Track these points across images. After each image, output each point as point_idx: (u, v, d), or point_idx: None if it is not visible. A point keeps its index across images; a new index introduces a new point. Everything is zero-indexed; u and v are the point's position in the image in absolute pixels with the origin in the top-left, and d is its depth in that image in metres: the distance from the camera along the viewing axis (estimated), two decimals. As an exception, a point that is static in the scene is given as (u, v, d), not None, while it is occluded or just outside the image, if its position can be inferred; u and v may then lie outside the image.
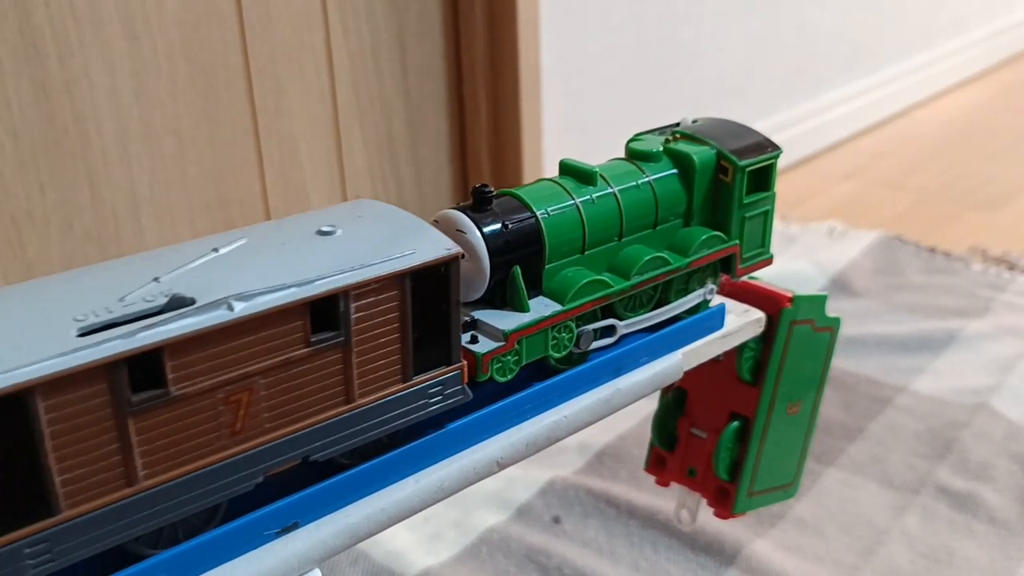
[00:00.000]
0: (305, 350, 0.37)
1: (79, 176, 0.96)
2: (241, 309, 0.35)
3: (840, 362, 1.12)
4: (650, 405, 1.06)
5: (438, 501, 0.42)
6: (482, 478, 0.44)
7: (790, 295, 0.61)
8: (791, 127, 1.82)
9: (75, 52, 0.93)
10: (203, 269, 0.37)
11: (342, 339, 0.38)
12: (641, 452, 0.98)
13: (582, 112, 1.40)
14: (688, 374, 0.65)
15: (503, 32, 1.28)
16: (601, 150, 1.51)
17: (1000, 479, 0.91)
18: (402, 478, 0.42)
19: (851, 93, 2.01)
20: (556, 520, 0.88)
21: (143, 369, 0.33)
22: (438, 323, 0.41)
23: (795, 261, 1.33)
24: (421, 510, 0.42)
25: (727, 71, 1.68)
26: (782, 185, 1.86)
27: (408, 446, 0.42)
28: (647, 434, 1.01)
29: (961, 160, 1.85)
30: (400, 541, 0.85)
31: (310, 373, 0.38)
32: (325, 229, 0.40)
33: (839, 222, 1.48)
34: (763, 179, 0.56)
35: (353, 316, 0.38)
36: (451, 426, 0.43)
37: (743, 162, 0.54)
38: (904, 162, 1.85)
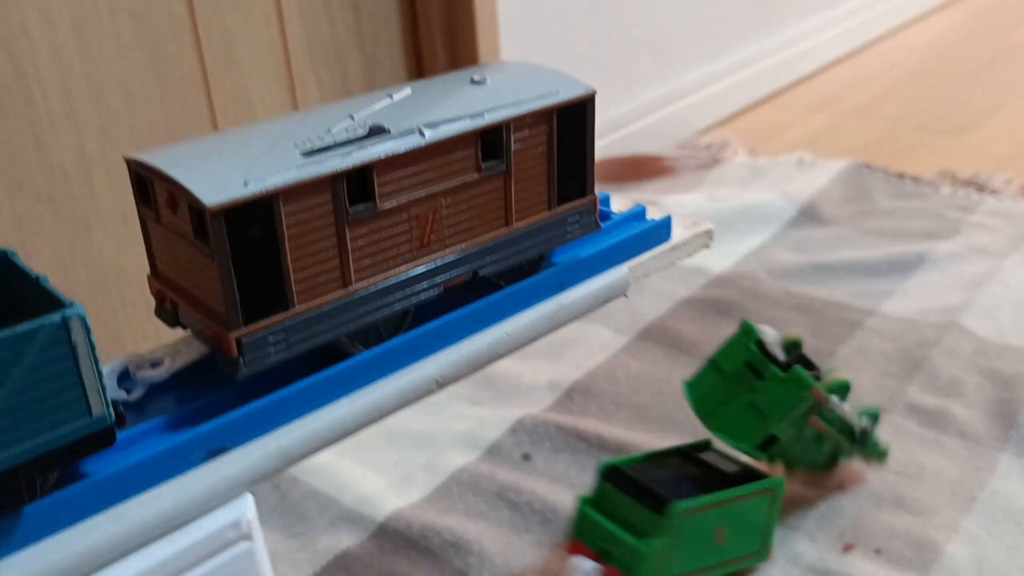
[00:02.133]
0: (476, 175, 0.44)
1: (25, 137, 0.94)
2: (430, 135, 0.42)
3: (810, 289, 1.11)
4: (617, 340, 1.05)
5: (375, 421, 0.42)
6: (421, 397, 0.43)
7: None
8: (759, 61, 1.80)
9: (11, 8, 0.91)
10: (386, 110, 0.44)
11: (504, 168, 0.45)
12: (611, 387, 0.97)
13: (540, 53, 1.38)
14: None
15: (456, -28, 1.25)
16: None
17: (970, 394, 0.91)
18: (336, 399, 0.41)
19: (819, 24, 1.99)
20: (526, 457, 0.88)
21: (356, 185, 0.40)
22: (576, 157, 0.47)
23: (762, 193, 1.32)
24: (357, 431, 0.41)
25: (690, 7, 1.65)
26: (751, 120, 1.83)
27: (341, 365, 0.41)
28: (616, 369, 1.00)
29: (931, 88, 1.84)
30: (369, 485, 0.85)
31: (479, 197, 0.45)
32: (476, 79, 0.47)
33: (808, 153, 1.47)
34: None
35: (513, 148, 0.45)
36: (386, 345, 0.42)
37: None
38: (874, 92, 1.84)
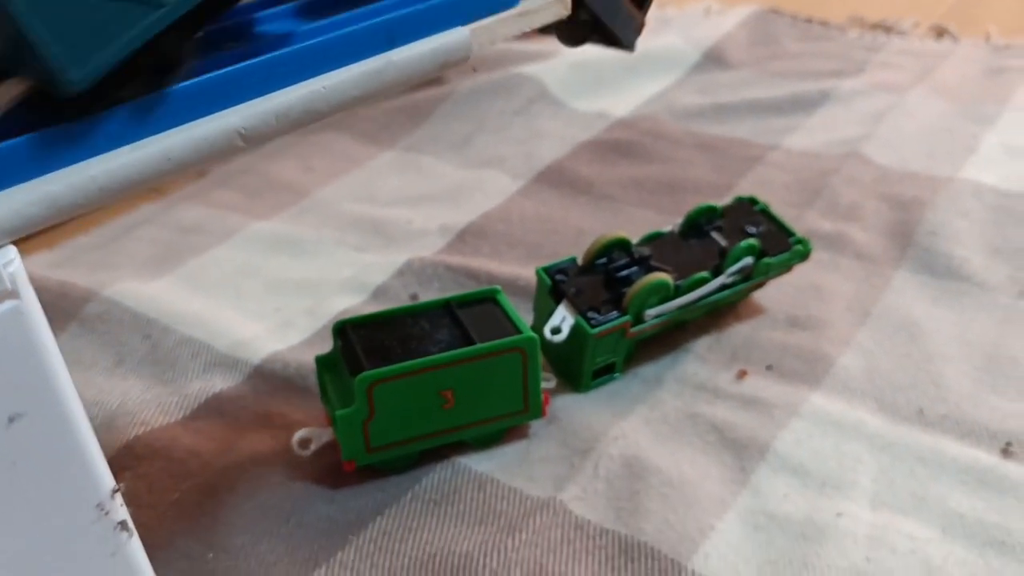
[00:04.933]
0: None
1: None
2: None
3: (711, 128, 1.08)
4: (514, 184, 1.01)
5: (165, 175, 0.37)
6: (222, 153, 0.38)
7: None
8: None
9: None
10: None
11: None
12: (505, 228, 0.94)
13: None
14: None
15: None
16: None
17: (868, 218, 0.89)
18: (117, 146, 0.36)
19: None
20: (414, 298, 0.84)
21: None
22: None
23: (667, 38, 1.27)
24: (143, 184, 0.36)
25: None
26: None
27: (122, 107, 0.36)
28: (511, 211, 0.96)
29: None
30: (247, 330, 0.81)
31: None
32: None
33: (716, 2, 1.42)
34: None
35: None
36: (178, 87, 0.37)
37: None
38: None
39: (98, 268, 0.92)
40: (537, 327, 0.71)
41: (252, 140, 0.39)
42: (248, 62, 0.38)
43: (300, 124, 0.40)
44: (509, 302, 0.68)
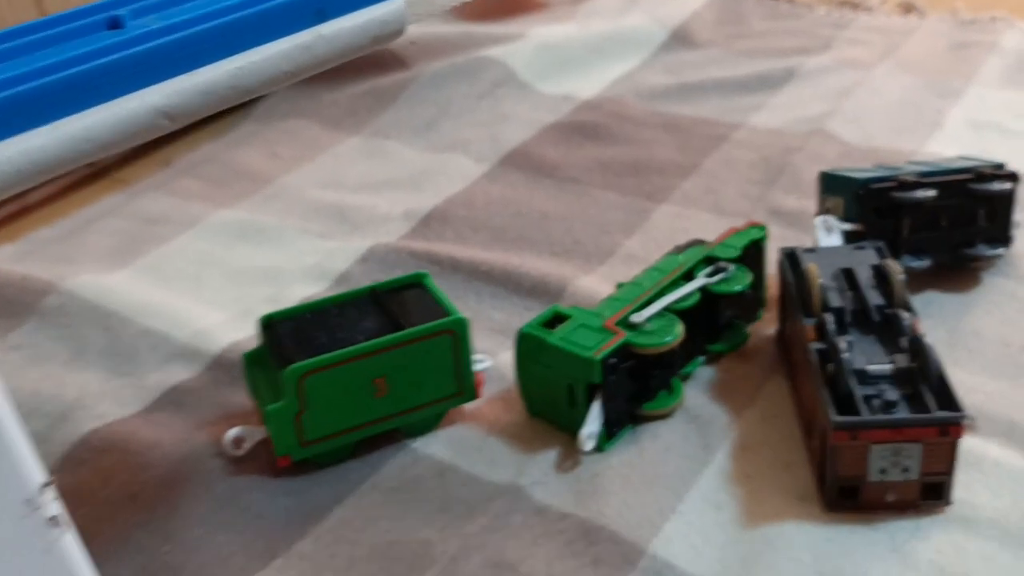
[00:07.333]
0: None
1: None
2: None
3: (677, 108, 1.07)
4: (478, 168, 1.00)
5: (87, 156, 0.36)
6: (146, 132, 0.37)
7: None
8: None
9: None
10: None
11: None
12: (469, 212, 0.93)
13: None
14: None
15: None
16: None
17: (833, 195, 0.88)
18: (34, 126, 0.35)
19: None
20: (376, 283, 0.83)
21: None
22: None
23: (634, 18, 1.26)
24: (64, 166, 0.35)
25: None
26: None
27: (37, 83, 0.34)
28: (475, 195, 0.95)
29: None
30: (207, 320, 0.79)
31: None
32: None
33: (683, -18, 1.41)
34: None
35: None
36: (98, 63, 0.36)
37: None
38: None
39: (60, 260, 0.91)
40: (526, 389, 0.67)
41: (177, 118, 0.38)
42: (170, 37, 0.37)
43: (229, 101, 0.39)
44: (436, 286, 0.67)
